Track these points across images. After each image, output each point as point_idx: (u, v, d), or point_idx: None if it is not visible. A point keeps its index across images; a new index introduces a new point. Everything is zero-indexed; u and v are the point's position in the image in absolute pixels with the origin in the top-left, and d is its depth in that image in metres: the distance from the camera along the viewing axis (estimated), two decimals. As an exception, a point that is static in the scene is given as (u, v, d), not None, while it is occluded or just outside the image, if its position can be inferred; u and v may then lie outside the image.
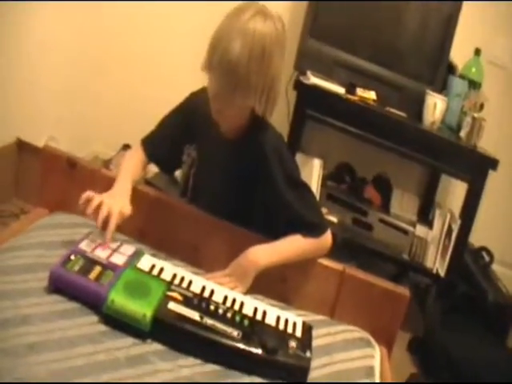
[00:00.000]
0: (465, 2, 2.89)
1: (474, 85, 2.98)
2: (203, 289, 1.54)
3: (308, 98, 2.80)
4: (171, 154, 1.92)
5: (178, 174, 2.11)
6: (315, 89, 2.76)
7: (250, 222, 1.78)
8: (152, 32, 3.41)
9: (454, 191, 3.39)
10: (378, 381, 1.55)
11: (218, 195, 1.83)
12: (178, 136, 1.88)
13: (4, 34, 2.65)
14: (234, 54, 1.53)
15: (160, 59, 3.43)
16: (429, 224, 3.06)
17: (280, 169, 1.71)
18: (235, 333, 1.41)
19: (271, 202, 1.75)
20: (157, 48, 3.42)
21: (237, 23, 1.56)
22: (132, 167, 1.85)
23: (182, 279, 1.54)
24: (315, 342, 1.53)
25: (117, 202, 1.62)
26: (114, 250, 1.56)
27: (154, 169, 2.10)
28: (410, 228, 3.02)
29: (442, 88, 3.00)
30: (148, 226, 1.81)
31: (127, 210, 1.65)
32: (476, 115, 2.86)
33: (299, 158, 2.84)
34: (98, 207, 1.58)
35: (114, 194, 1.67)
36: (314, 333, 1.56)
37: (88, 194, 1.59)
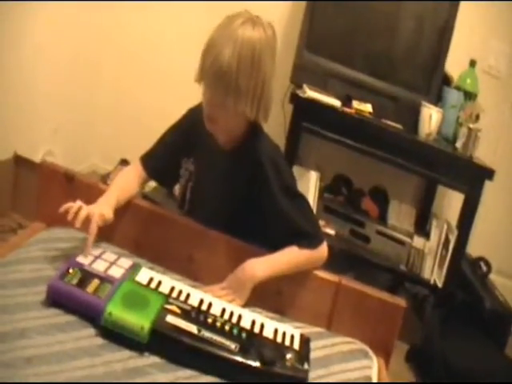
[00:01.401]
0: (459, 13, 2.91)
1: (470, 96, 2.99)
2: (201, 302, 1.54)
3: (304, 111, 2.82)
4: (171, 170, 1.93)
5: (176, 187, 2.11)
6: (311, 102, 2.78)
7: (246, 233, 1.78)
8: (151, 46, 3.43)
9: (450, 202, 3.40)
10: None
11: (215, 207, 1.84)
12: (176, 152, 1.90)
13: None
14: (224, 59, 1.57)
15: (159, 73, 3.45)
16: (426, 235, 3.06)
17: (277, 179, 1.72)
18: (233, 345, 1.41)
19: (268, 212, 1.75)
20: (155, 62, 3.44)
21: (227, 31, 1.61)
22: (123, 182, 1.86)
23: (180, 292, 1.55)
24: (312, 354, 1.53)
25: (97, 206, 1.65)
26: (112, 263, 1.57)
27: (151, 183, 2.11)
28: (407, 239, 3.02)
29: (438, 99, 3.01)
30: (144, 239, 1.81)
31: (108, 213, 1.67)
32: (472, 126, 2.87)
33: (296, 170, 2.85)
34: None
35: (97, 202, 1.69)
36: (311, 345, 1.56)
37: (67, 204, 1.60)
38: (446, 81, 3.06)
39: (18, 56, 2.79)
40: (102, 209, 1.66)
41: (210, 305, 1.55)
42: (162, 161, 1.93)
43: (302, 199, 1.79)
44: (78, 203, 1.60)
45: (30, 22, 2.81)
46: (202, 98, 1.70)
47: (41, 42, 2.92)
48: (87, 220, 1.60)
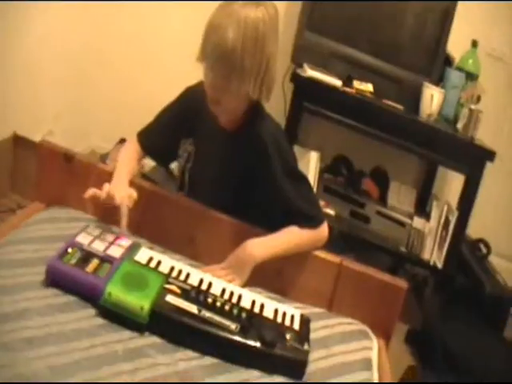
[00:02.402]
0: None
1: (471, 77, 2.97)
2: (201, 282, 1.54)
3: (305, 90, 2.80)
4: (167, 148, 1.92)
5: (174, 167, 2.10)
6: (312, 81, 2.76)
7: (247, 214, 1.78)
8: (151, 26, 3.40)
9: (451, 183, 3.39)
10: (376, 372, 1.56)
11: (215, 188, 1.83)
12: (174, 129, 1.89)
13: (2, 29, 2.64)
14: (227, 41, 1.55)
15: (158, 53, 3.42)
16: (426, 216, 3.06)
17: (278, 160, 1.71)
18: (233, 326, 1.41)
19: (269, 192, 1.74)
20: (155, 42, 3.41)
21: (229, 11, 1.58)
22: (128, 160, 1.86)
23: (180, 272, 1.54)
24: (313, 335, 1.53)
25: (121, 189, 1.67)
26: (111, 243, 1.56)
27: (150, 163, 2.10)
28: (408, 220, 3.02)
29: (439, 80, 2.99)
30: (144, 219, 1.80)
31: (134, 193, 1.69)
32: (473, 107, 2.86)
33: (296, 150, 2.82)
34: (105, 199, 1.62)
35: (116, 184, 1.69)
36: (312, 325, 1.56)
37: (92, 190, 1.62)
38: (448, 61, 3.03)
39: (23, 40, 2.78)
40: (127, 190, 1.68)
41: (209, 284, 1.54)
42: (158, 138, 1.92)
43: (303, 180, 1.79)
44: (106, 186, 1.64)
45: (35, 9, 2.79)
46: (204, 80, 1.68)
47: (45, 28, 2.92)
48: (95, 197, 1.62)
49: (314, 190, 2.63)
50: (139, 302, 1.37)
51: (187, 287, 1.49)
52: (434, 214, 3.01)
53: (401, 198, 3.18)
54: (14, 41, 2.72)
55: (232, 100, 1.68)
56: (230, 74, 1.59)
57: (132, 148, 1.93)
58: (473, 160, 2.83)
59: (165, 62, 3.41)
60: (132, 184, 1.75)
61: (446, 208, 2.96)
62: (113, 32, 3.38)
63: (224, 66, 1.59)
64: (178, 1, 3.28)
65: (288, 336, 1.45)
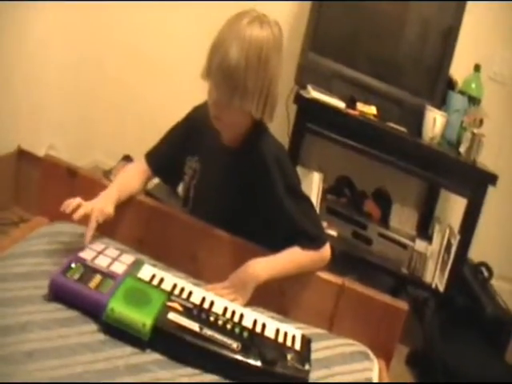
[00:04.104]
0: (465, 18, 2.91)
1: (474, 100, 2.98)
2: (203, 300, 1.54)
3: (308, 111, 2.81)
4: (175, 168, 1.93)
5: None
6: (315, 103, 2.77)
7: (250, 233, 1.78)
8: (156, 40, 3.42)
9: (453, 206, 3.39)
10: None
11: (218, 205, 1.84)
12: (181, 149, 1.90)
13: (3, 38, 2.66)
14: (231, 59, 1.57)
15: (164, 68, 3.44)
16: (428, 239, 3.05)
17: (281, 179, 1.71)
18: (234, 344, 1.41)
19: (271, 211, 1.75)
20: (160, 56, 3.43)
21: (234, 30, 1.60)
22: (125, 179, 1.87)
23: (182, 290, 1.54)
24: (314, 355, 1.53)
25: (98, 202, 1.67)
26: (115, 259, 1.56)
27: (154, 180, 2.10)
28: (410, 242, 3.01)
29: (442, 103, 3.01)
30: (147, 235, 1.80)
31: (108, 209, 1.67)
32: (475, 131, 2.87)
33: (299, 171, 2.83)
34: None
35: (98, 197, 1.70)
36: (313, 346, 1.56)
37: (67, 201, 1.60)
38: (451, 85, 3.05)
39: (23, 51, 2.79)
40: (103, 204, 1.67)
41: (211, 303, 1.54)
42: (166, 159, 1.93)
43: (305, 200, 1.79)
44: (77, 200, 1.61)
45: (35, 18, 2.81)
46: (208, 97, 1.69)
47: (46, 39, 2.92)
48: (87, 216, 1.60)
49: (317, 210, 2.64)
50: (141, 319, 1.37)
51: (189, 305, 1.48)
52: (436, 236, 3.01)
53: (403, 220, 3.18)
54: (15, 55, 2.73)
55: (234, 118, 1.69)
56: (233, 92, 1.61)
57: (139, 168, 1.93)
58: (475, 184, 2.84)
59: (170, 77, 3.43)
60: (133, 202, 1.74)
61: (448, 231, 2.96)
62: (117, 46, 3.40)
63: (227, 84, 1.60)
64: (182, 1, 3.30)
65: (289, 356, 1.45)
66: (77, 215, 1.58)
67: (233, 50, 1.57)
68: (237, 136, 1.77)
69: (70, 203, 1.59)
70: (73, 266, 1.46)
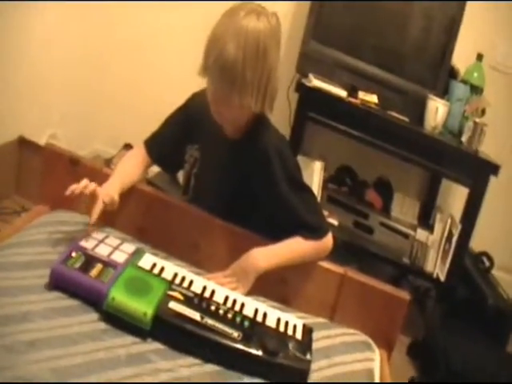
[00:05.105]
0: (467, 7, 2.89)
1: (476, 90, 2.97)
2: (204, 289, 1.53)
3: (310, 100, 2.80)
4: (175, 156, 1.92)
5: (179, 174, 2.10)
6: (317, 91, 2.76)
7: (250, 223, 1.77)
8: (155, 31, 3.41)
9: (454, 196, 3.39)
10: (377, 384, 1.55)
11: (219, 195, 1.83)
12: (180, 137, 1.88)
13: (6, 31, 2.65)
14: (229, 54, 1.54)
15: (163, 59, 3.44)
16: (429, 228, 3.05)
17: (282, 170, 1.70)
18: (235, 334, 1.41)
19: (272, 202, 1.74)
20: (160, 47, 3.43)
21: (231, 23, 1.57)
22: (127, 168, 1.86)
23: (183, 279, 1.54)
24: (315, 345, 1.52)
25: (107, 189, 1.66)
26: (115, 248, 1.56)
27: (155, 168, 2.10)
28: (411, 232, 3.01)
29: (444, 93, 2.99)
30: (148, 224, 1.80)
31: (114, 195, 1.67)
32: (477, 120, 2.86)
33: (300, 160, 2.83)
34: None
35: (104, 185, 1.69)
36: (314, 335, 1.55)
37: (73, 185, 1.57)
38: (453, 74, 3.04)
39: (27, 42, 2.79)
40: (109, 190, 1.66)
41: (213, 292, 1.54)
42: (166, 147, 1.92)
43: (307, 190, 1.78)
44: (85, 181, 1.59)
45: (40, 11, 2.81)
46: (207, 92, 1.68)
47: (50, 30, 2.92)
48: (93, 201, 1.60)
49: (318, 199, 2.64)
50: (142, 308, 1.36)
51: (190, 294, 1.48)
52: (438, 226, 3.01)
53: (404, 209, 3.18)
54: (16, 45, 2.72)
55: (234, 112, 1.67)
56: (232, 87, 1.58)
57: (139, 155, 1.92)
58: (477, 173, 2.83)
59: (169, 67, 3.42)
60: (134, 191, 1.74)
61: (449, 221, 2.96)
62: (117, 36, 3.40)
63: (225, 79, 1.58)
64: (182, 1, 3.29)
65: (290, 345, 1.45)
66: (87, 190, 1.57)
67: (229, 45, 1.54)
68: (237, 128, 1.76)
69: (77, 186, 1.57)
70: (73, 254, 1.46)
